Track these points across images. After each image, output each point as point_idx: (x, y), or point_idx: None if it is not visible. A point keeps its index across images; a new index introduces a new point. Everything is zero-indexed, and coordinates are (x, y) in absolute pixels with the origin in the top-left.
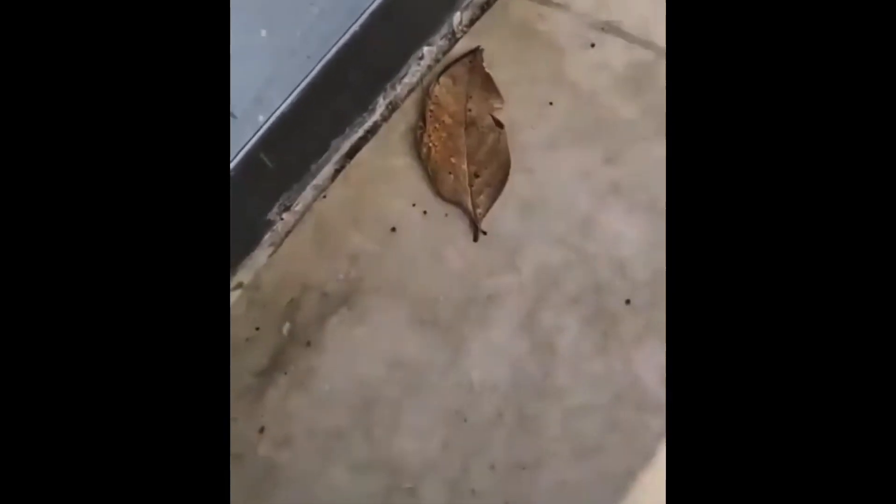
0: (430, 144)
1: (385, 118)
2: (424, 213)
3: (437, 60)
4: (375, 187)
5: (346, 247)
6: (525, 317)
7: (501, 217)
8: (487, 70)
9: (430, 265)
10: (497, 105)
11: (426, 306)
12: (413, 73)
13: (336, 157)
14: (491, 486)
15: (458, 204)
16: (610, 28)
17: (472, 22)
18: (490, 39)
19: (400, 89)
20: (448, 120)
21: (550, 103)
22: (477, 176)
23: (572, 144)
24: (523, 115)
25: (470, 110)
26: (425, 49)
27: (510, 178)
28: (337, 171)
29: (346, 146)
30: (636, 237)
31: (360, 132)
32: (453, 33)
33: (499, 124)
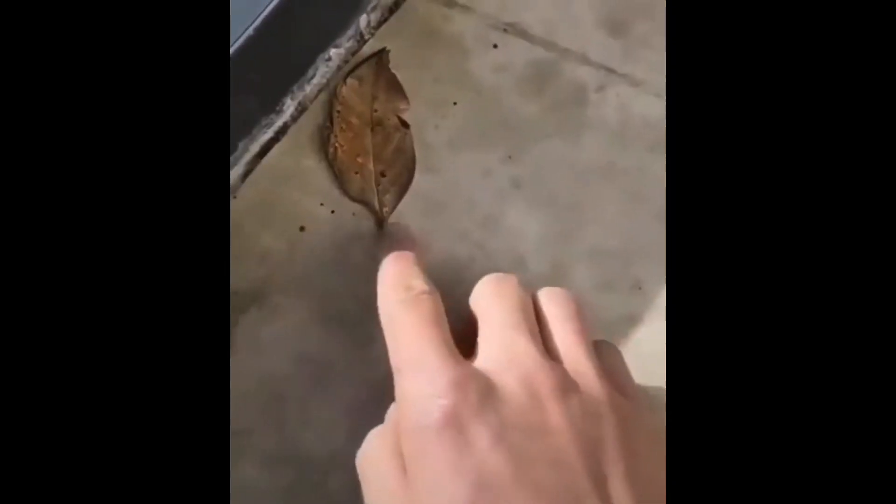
0: (337, 144)
1: (294, 119)
2: (332, 212)
3: (346, 62)
4: (285, 187)
5: (255, 247)
6: None
7: (407, 215)
8: (393, 71)
9: (337, 263)
10: (402, 106)
11: (333, 303)
12: (322, 74)
13: (246, 159)
14: None
15: (364, 202)
16: (512, 29)
17: (379, 24)
18: (397, 41)
19: (309, 90)
20: (355, 120)
21: (454, 103)
22: (383, 175)
23: (475, 143)
24: (428, 115)
25: (376, 111)
26: (332, 51)
27: (415, 176)
28: (247, 173)
29: (255, 147)
30: (535, 232)
31: (270, 133)
32: (361, 35)
33: (404, 124)
